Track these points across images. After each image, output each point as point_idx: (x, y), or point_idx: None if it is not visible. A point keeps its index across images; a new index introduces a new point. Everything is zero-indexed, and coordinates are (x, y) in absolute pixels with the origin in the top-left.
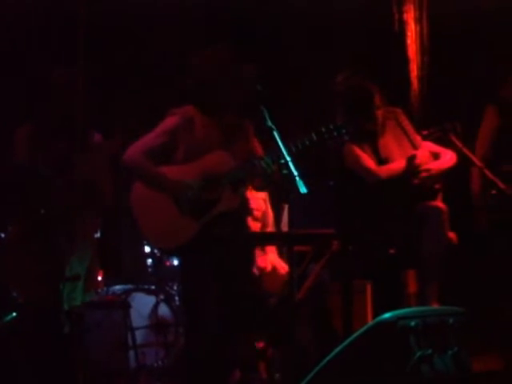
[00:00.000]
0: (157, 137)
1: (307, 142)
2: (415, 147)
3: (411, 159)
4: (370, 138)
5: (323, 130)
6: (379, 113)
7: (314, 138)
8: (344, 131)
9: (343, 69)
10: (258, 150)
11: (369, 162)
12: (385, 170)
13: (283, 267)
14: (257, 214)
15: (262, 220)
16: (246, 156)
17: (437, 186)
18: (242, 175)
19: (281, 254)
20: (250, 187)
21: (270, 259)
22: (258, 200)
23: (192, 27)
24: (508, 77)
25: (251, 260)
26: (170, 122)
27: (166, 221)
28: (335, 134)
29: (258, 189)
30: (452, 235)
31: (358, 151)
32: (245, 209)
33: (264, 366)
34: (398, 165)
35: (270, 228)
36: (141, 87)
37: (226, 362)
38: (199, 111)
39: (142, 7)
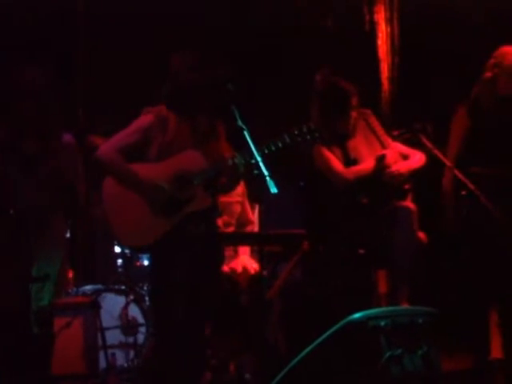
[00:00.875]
0: (130, 135)
1: (280, 144)
2: (385, 148)
3: (380, 159)
4: (341, 139)
5: (296, 132)
6: (354, 114)
7: (287, 139)
8: (317, 134)
9: (322, 68)
10: (228, 150)
11: (337, 164)
12: (353, 172)
13: (254, 268)
14: (230, 219)
15: (237, 223)
16: (218, 156)
17: (406, 186)
18: (214, 174)
19: (252, 254)
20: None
21: (241, 260)
22: (232, 205)
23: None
24: (479, 77)
25: (222, 259)
26: (143, 120)
27: (136, 219)
28: (308, 136)
29: (224, 190)
30: (422, 235)
31: (327, 153)
32: (216, 209)
33: (234, 366)
34: (366, 165)
35: (249, 226)
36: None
37: (196, 363)
38: (172, 111)
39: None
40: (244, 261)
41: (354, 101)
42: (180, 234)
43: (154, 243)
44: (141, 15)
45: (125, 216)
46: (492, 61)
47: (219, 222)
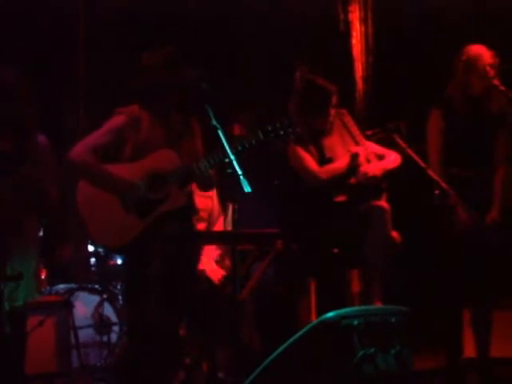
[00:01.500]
0: (103, 135)
1: (253, 142)
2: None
3: (354, 156)
4: (317, 138)
5: (270, 128)
6: (332, 112)
7: (261, 136)
8: (291, 130)
9: (300, 66)
10: (201, 149)
11: (311, 163)
12: (327, 171)
13: (215, 274)
14: (203, 214)
15: (208, 219)
16: (193, 155)
17: (381, 186)
18: (188, 174)
19: (225, 254)
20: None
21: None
22: (205, 199)
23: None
24: (451, 78)
25: (197, 259)
26: (116, 120)
27: (111, 219)
28: (282, 132)
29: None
30: (395, 235)
31: (302, 152)
32: (191, 207)
33: (207, 365)
34: (340, 163)
35: (216, 225)
36: None
37: (170, 362)
38: (145, 110)
39: None
40: (204, 263)
41: (334, 99)
42: (154, 234)
43: (128, 243)
44: (141, 15)
45: (99, 216)
46: (463, 61)
47: None
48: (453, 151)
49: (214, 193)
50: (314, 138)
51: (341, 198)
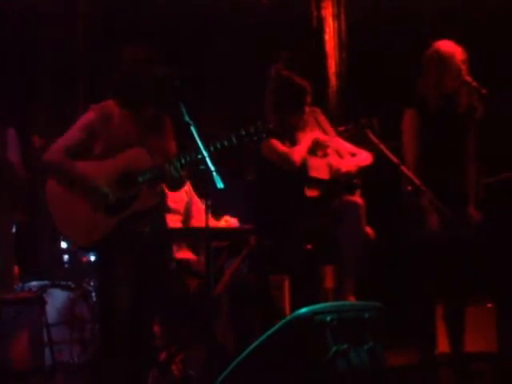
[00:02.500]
0: (75, 133)
1: (225, 144)
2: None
3: (316, 140)
4: (291, 134)
5: (243, 133)
6: (307, 109)
7: (234, 140)
8: (264, 134)
9: (276, 63)
10: (173, 147)
11: (283, 147)
12: (297, 151)
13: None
14: (177, 207)
15: (185, 213)
16: (164, 152)
17: (355, 182)
18: (159, 173)
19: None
20: None
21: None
22: (180, 193)
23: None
24: (422, 76)
25: (169, 256)
26: (87, 117)
27: (81, 217)
28: (255, 138)
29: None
30: (369, 230)
31: (275, 141)
32: (163, 205)
33: (181, 362)
34: (303, 144)
35: (195, 218)
36: None
37: (143, 359)
38: (119, 106)
39: None
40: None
41: (309, 97)
42: (124, 233)
43: (97, 241)
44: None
45: (70, 215)
46: (434, 59)
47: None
48: (428, 149)
49: (188, 185)
50: (289, 134)
51: (313, 194)
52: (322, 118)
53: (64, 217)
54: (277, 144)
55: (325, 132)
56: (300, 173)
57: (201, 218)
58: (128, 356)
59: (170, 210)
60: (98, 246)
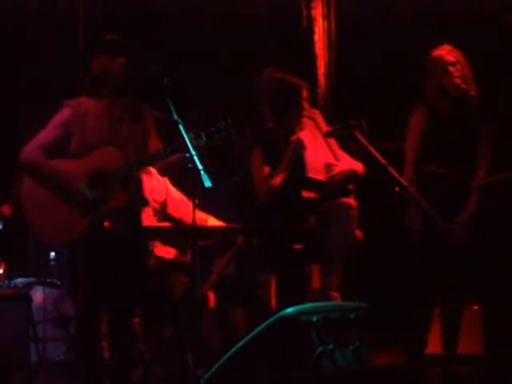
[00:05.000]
0: (50, 131)
1: (196, 144)
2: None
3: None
4: (289, 136)
5: (212, 129)
6: (306, 105)
7: (203, 137)
8: (234, 131)
9: (268, 67)
10: (156, 142)
11: (260, 173)
12: (267, 187)
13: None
14: (155, 205)
15: (161, 211)
16: (140, 142)
17: (350, 187)
18: (130, 172)
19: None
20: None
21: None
22: (159, 190)
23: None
24: (427, 79)
25: (143, 255)
26: (62, 114)
27: (54, 216)
28: (224, 134)
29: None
30: (358, 233)
31: (257, 160)
32: (137, 203)
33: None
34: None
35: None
36: None
37: (123, 357)
38: (94, 101)
39: None
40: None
41: (305, 93)
42: (98, 232)
43: (70, 241)
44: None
45: (43, 213)
46: (429, 66)
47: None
48: (432, 148)
49: (166, 182)
50: (286, 136)
51: (309, 195)
52: (321, 120)
53: (38, 215)
54: (256, 164)
55: (323, 134)
56: (296, 174)
57: (176, 206)
58: (101, 355)
59: (147, 205)
60: (70, 245)
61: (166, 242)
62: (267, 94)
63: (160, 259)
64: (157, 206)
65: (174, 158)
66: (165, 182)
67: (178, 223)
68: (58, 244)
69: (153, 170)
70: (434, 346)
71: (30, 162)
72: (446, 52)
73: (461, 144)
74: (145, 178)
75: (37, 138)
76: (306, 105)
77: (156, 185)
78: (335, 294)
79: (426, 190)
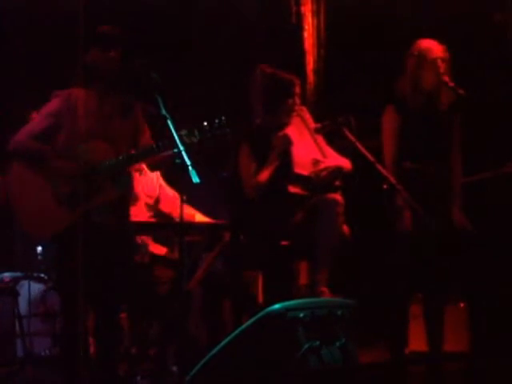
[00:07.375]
0: (41, 120)
1: (188, 141)
2: (316, 142)
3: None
4: (276, 131)
5: (206, 127)
6: (297, 101)
7: (196, 134)
8: (228, 129)
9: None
10: (147, 135)
11: (246, 169)
12: (254, 182)
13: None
14: (149, 201)
15: (155, 206)
16: (130, 138)
17: (336, 183)
18: (121, 166)
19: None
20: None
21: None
22: (153, 186)
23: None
24: (402, 74)
25: (131, 249)
26: (52, 104)
27: (41, 208)
28: (218, 132)
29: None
30: (345, 229)
31: (245, 156)
32: (126, 198)
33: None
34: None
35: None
36: None
37: (109, 352)
38: (85, 92)
39: None
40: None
41: (297, 88)
42: (86, 226)
43: (56, 233)
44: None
45: (30, 204)
46: (414, 56)
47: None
48: (407, 146)
49: (158, 177)
50: (274, 132)
51: (296, 190)
52: (308, 117)
53: (24, 206)
54: (243, 160)
55: (311, 132)
56: (283, 170)
57: (168, 203)
58: (87, 350)
59: (138, 199)
60: (55, 238)
61: (156, 239)
62: (260, 89)
63: (152, 255)
64: (150, 201)
65: (164, 154)
66: (158, 177)
67: (166, 218)
68: (43, 236)
69: (144, 165)
70: (419, 343)
71: (21, 146)
72: (435, 46)
73: (434, 141)
74: (138, 174)
75: (26, 127)
76: (297, 100)
77: (150, 180)
78: (324, 289)
79: (406, 188)
